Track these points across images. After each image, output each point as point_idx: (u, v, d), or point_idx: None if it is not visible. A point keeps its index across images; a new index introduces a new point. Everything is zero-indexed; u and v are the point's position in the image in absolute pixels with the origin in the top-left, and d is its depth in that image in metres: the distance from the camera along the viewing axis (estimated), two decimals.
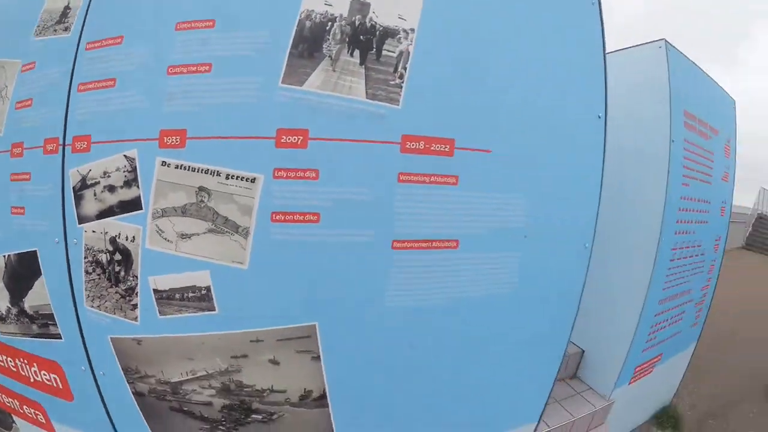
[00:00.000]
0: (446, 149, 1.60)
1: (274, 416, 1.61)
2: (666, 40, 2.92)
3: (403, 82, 1.51)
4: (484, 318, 1.82)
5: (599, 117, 1.96)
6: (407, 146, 1.54)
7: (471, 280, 1.76)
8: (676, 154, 3.05)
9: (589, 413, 3.32)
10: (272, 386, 1.58)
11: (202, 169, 1.42)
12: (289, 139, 1.44)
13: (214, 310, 1.49)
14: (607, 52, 2.83)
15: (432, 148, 1.57)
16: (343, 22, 1.47)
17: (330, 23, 1.46)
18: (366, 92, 1.47)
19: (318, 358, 1.57)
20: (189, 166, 1.42)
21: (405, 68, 1.51)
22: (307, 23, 1.45)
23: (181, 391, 1.58)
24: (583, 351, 3.65)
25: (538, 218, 1.83)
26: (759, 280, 11.80)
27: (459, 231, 1.69)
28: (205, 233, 1.44)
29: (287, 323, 1.53)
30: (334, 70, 1.46)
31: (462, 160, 1.63)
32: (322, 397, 1.62)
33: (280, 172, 1.44)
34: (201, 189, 1.43)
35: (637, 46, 3.12)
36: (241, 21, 1.49)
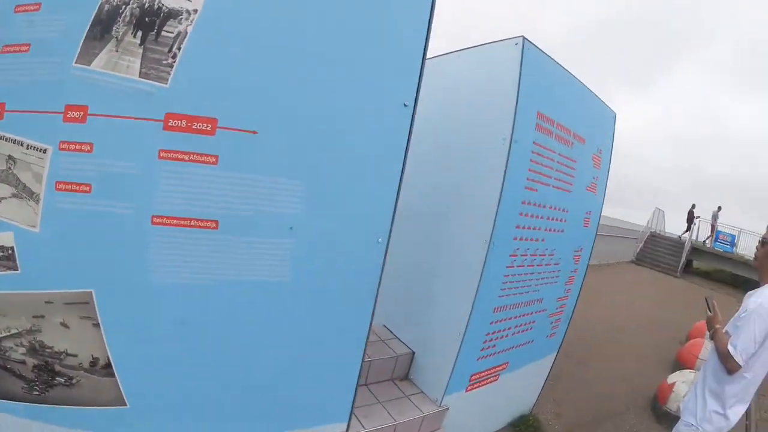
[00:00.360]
0: (208, 128, 1.59)
1: (74, 380, 1.64)
2: (525, 38, 2.71)
3: (174, 62, 1.53)
4: (260, 305, 1.82)
5: (405, 105, 1.93)
6: (170, 124, 1.55)
7: (238, 265, 1.74)
8: (518, 155, 2.88)
9: (415, 418, 3.16)
10: (67, 350, 1.61)
11: (12, 139, 1.51)
12: (73, 114, 1.51)
13: (17, 269, 1.55)
14: (464, 47, 3.10)
15: (194, 126, 1.58)
16: (135, 5, 1.52)
17: (124, 6, 1.51)
18: (140, 71, 1.51)
19: (98, 325, 1.60)
20: (3, 136, 1.51)
21: (179, 48, 1.53)
22: (106, 6, 1.51)
23: (1, 348, 1.61)
24: (414, 353, 3.48)
25: (320, 208, 1.83)
26: (644, 293, 12.24)
27: (219, 211, 1.66)
28: (9, 197, 1.54)
29: (68, 287, 1.57)
30: (117, 51, 1.51)
31: (223, 139, 1.62)
32: (108, 365, 1.64)
33: (64, 145, 1.50)
34: (9, 157, 1.52)
35: (495, 42, 2.88)
36: (57, 4, 1.55)
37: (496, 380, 3.57)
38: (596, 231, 3.93)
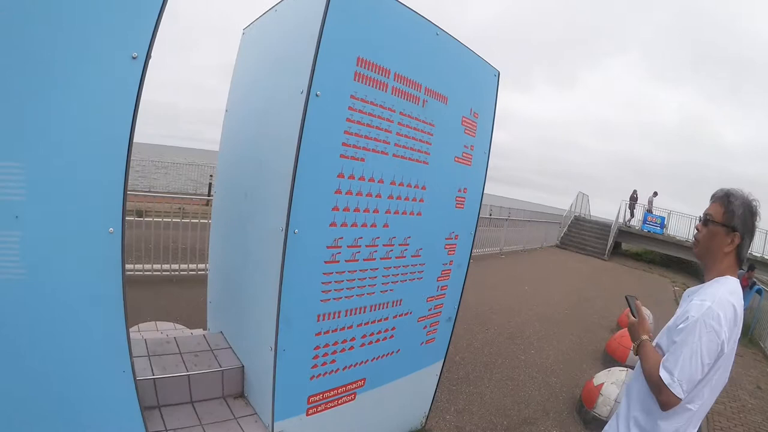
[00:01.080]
0: None
1: None
2: None
3: None
4: None
5: (134, 58, 1.61)
6: None
7: None
8: (323, 113, 2.18)
9: None
10: None
11: None
12: None
13: None
14: None
15: None
16: None
17: None
18: None
19: None
20: None
21: None
22: None
23: None
24: (243, 366, 2.86)
25: (42, 193, 1.56)
26: (569, 278, 11.71)
27: None
28: None
29: None
30: None
31: None
32: None
33: None
34: None
35: None
36: None
37: (352, 399, 2.86)
38: (478, 213, 3.16)
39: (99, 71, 1.56)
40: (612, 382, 4.13)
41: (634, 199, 20.64)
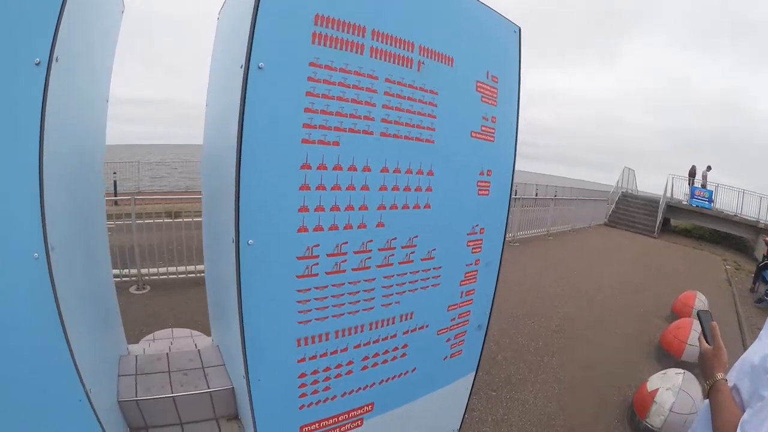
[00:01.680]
0: None
1: None
2: None
3: None
4: None
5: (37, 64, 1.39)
6: None
7: None
8: (270, 89, 1.71)
9: None
10: None
11: None
12: None
13: None
14: None
15: None
16: None
17: None
18: None
19: None
20: None
21: None
22: None
23: None
24: (233, 388, 2.51)
25: None
26: (618, 258, 10.63)
27: None
28: None
29: None
30: None
31: None
32: None
33: None
34: None
35: None
36: None
37: (358, 426, 2.47)
38: (509, 198, 2.53)
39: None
40: (667, 387, 3.51)
41: (692, 174, 19.84)
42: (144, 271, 5.80)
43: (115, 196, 6.48)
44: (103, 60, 2.39)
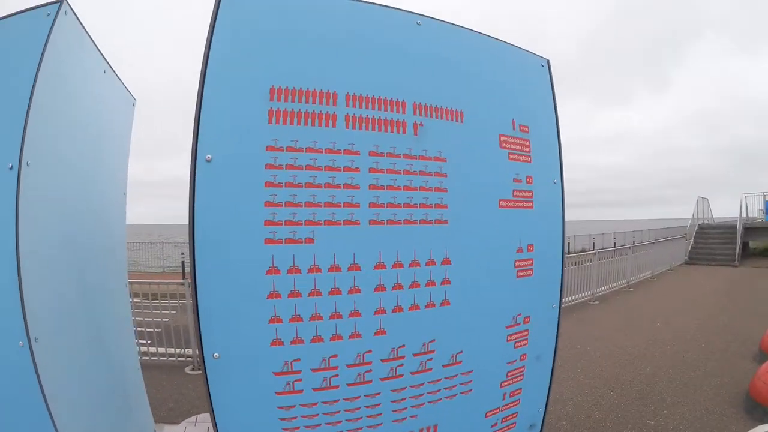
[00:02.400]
0: None
1: None
2: None
3: None
4: None
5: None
6: None
7: None
8: (218, 184, 1.44)
9: None
10: None
11: None
12: None
13: None
14: None
15: None
16: None
17: None
18: None
19: None
20: None
21: None
22: None
23: None
24: None
25: None
26: (698, 299, 9.25)
27: None
28: None
29: None
30: None
31: None
32: None
33: None
34: None
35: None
36: None
37: None
38: (561, 275, 2.00)
39: None
40: None
41: None
42: None
43: (183, 277, 6.50)
44: (117, 155, 2.49)
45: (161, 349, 5.62)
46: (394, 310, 1.64)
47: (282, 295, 1.48)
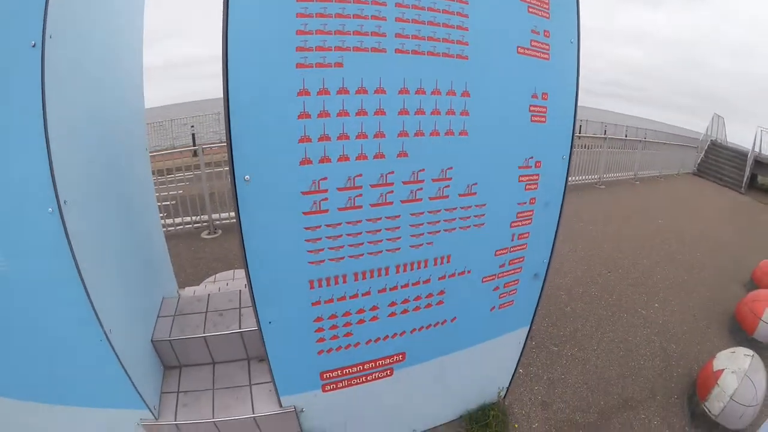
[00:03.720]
0: None
1: None
2: None
3: None
4: None
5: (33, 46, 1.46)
6: None
7: None
8: (252, 11, 1.50)
9: (239, 418, 2.27)
10: None
11: None
12: None
13: None
14: None
15: None
16: None
17: None
18: None
19: None
20: None
21: None
22: None
23: None
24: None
25: None
26: (702, 214, 9.02)
27: None
28: None
29: None
30: None
31: None
32: None
33: None
34: None
35: None
36: None
37: (388, 375, 2.32)
38: (573, 128, 2.11)
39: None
40: (733, 371, 2.99)
41: None
42: (216, 216, 5.94)
43: (193, 145, 6.62)
44: (132, 30, 2.53)
45: (177, 219, 5.92)
46: (416, 134, 1.77)
47: (312, 115, 1.61)
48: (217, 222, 6.00)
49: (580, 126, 16.25)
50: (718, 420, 2.88)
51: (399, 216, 1.88)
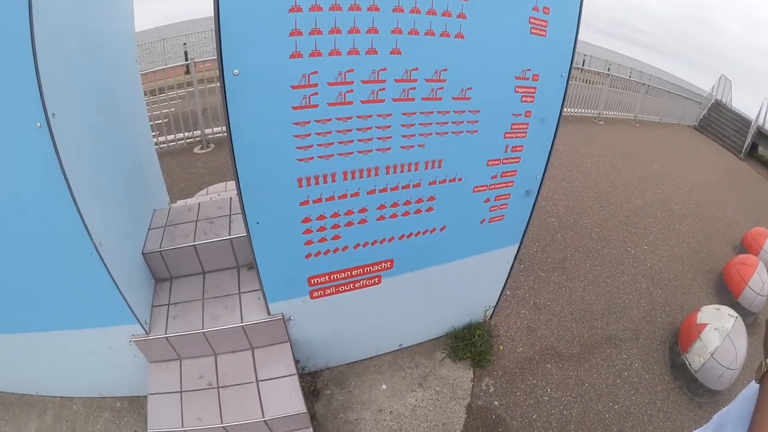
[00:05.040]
0: None
1: None
2: None
3: None
4: None
5: None
6: None
7: None
8: None
9: (228, 327, 2.29)
10: None
11: None
12: None
13: None
14: None
15: None
16: None
17: None
18: None
19: None
20: None
21: None
22: None
23: None
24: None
25: None
26: (699, 169, 8.87)
27: None
28: None
29: None
30: None
31: None
32: None
33: None
34: None
35: None
36: None
37: (376, 283, 2.35)
38: (574, 45, 2.03)
39: None
40: (715, 327, 3.06)
41: None
42: (208, 131, 5.85)
43: (186, 62, 6.45)
44: None
45: (170, 137, 5.82)
46: (410, 32, 1.69)
47: (303, 9, 1.52)
48: (210, 136, 5.93)
49: (584, 60, 15.92)
50: (698, 376, 2.95)
51: (390, 114, 1.83)
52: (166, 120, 5.71)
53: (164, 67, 6.15)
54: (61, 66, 1.64)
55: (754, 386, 0.98)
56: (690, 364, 2.99)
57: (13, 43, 1.40)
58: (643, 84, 12.44)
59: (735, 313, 3.18)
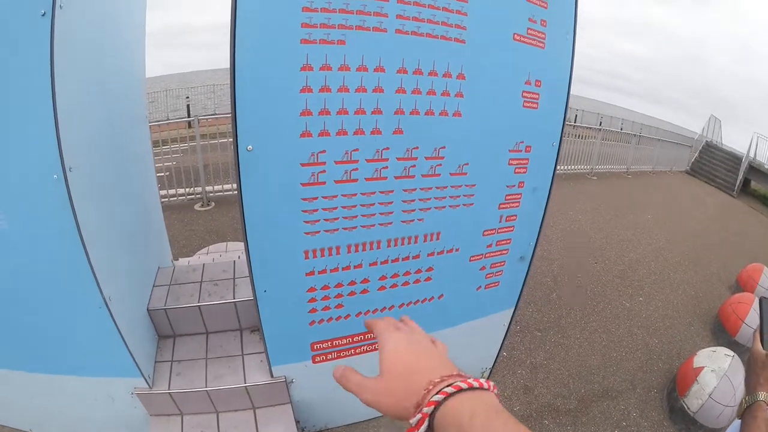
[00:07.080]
0: None
1: None
2: None
3: None
4: None
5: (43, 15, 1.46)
6: None
7: None
8: None
9: (231, 387, 2.34)
10: None
11: None
12: None
13: None
14: None
15: None
16: None
17: None
18: None
19: None
20: None
21: None
22: None
23: None
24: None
25: None
26: (693, 213, 9.10)
27: None
28: None
29: None
30: None
31: None
32: None
33: None
34: None
35: None
36: None
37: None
38: (564, 116, 2.19)
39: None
40: (712, 369, 3.08)
41: None
42: (209, 188, 5.97)
43: (188, 117, 6.58)
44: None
45: (171, 191, 5.88)
46: (411, 113, 1.84)
47: (313, 89, 1.68)
48: (211, 194, 6.02)
49: (576, 116, 16.30)
50: (696, 417, 2.97)
51: (392, 191, 1.95)
52: (168, 174, 5.83)
53: (168, 120, 6.29)
54: (80, 119, 1.75)
55: (737, 423, 1.01)
56: (688, 407, 3.01)
57: (37, 99, 1.51)
58: (635, 135, 12.75)
59: (731, 352, 3.21)
